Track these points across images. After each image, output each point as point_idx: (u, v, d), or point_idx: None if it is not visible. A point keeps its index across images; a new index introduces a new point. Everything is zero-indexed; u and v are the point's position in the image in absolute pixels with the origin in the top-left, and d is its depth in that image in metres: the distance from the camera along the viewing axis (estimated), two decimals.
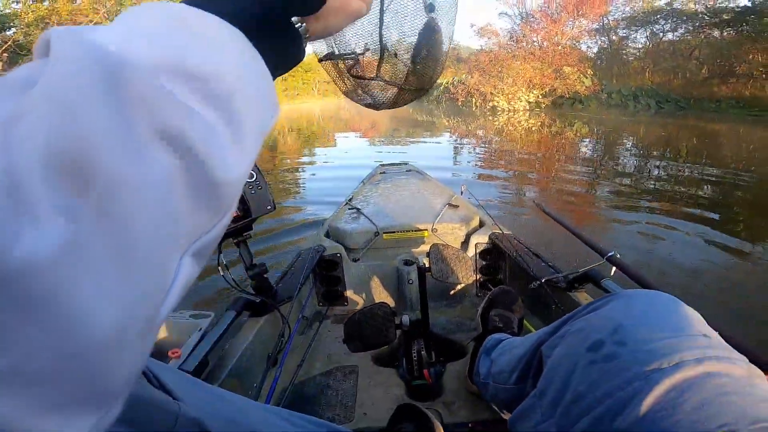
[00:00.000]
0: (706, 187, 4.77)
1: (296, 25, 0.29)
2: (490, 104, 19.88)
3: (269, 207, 0.99)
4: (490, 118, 15.18)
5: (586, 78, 20.03)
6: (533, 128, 11.80)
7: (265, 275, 1.08)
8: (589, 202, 4.14)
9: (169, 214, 0.17)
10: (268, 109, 0.23)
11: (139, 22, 0.20)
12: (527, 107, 19.56)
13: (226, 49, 0.21)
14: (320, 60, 0.90)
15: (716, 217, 3.51)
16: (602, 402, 0.44)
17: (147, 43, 0.18)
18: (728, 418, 0.38)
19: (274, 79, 0.26)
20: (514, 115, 16.63)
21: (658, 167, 5.88)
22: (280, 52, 0.28)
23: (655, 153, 7.17)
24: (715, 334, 0.48)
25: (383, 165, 2.66)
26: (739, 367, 0.43)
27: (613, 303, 0.54)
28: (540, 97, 20.01)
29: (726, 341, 0.70)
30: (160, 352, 1.06)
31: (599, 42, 25.10)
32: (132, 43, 0.18)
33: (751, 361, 0.68)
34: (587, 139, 9.43)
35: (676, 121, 14.05)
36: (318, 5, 0.25)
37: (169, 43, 0.19)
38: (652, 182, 4.99)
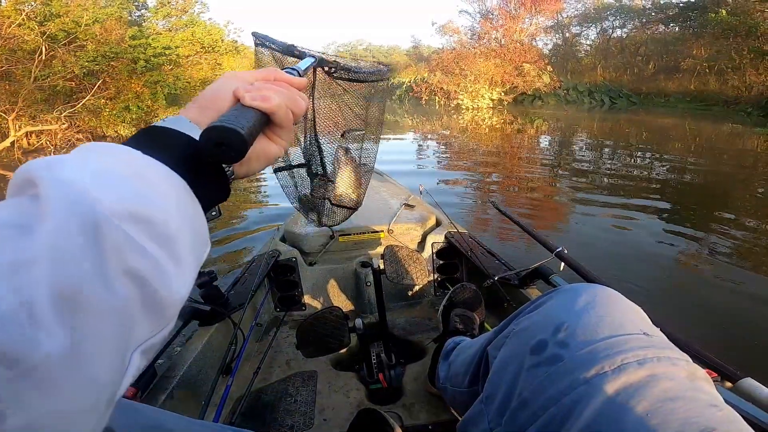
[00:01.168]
0: (657, 179, 5.07)
1: (226, 170, 0.35)
2: (454, 102, 20.14)
3: (214, 213, 0.97)
4: (455, 116, 15.34)
5: (545, 75, 20.71)
6: (496, 125, 12.09)
7: (214, 283, 1.07)
8: (549, 197, 4.31)
9: (126, 325, 0.24)
10: (202, 244, 0.31)
11: (105, 165, 0.26)
12: (490, 105, 19.94)
13: (172, 196, 0.28)
14: (275, 170, 1.15)
15: (666, 207, 3.74)
16: (547, 409, 0.44)
17: (115, 192, 0.25)
18: (675, 427, 0.38)
19: (205, 214, 0.33)
20: (478, 113, 16.86)
21: (612, 161, 6.20)
22: (211, 192, 0.34)
23: (609, 147, 7.54)
24: (656, 331, 0.48)
25: None
26: (682, 368, 0.43)
27: (554, 299, 0.55)
28: (502, 94, 20.48)
29: (669, 338, 0.74)
30: None
31: (554, 39, 26.16)
32: (104, 191, 0.24)
33: (693, 358, 0.72)
34: (548, 136, 9.79)
35: (628, 116, 14.77)
36: (241, 157, 0.31)
37: (130, 192, 0.25)
38: (607, 175, 5.25)
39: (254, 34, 0.99)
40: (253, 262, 1.40)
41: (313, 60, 0.59)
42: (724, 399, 0.66)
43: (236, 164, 0.36)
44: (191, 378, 0.94)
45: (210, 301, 1.07)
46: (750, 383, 0.69)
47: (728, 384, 0.73)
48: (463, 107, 19.52)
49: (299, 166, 1.17)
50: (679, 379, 0.42)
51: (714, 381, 0.72)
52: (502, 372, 0.53)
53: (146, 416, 0.49)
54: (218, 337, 1.09)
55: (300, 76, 0.44)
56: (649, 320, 0.50)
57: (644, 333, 0.46)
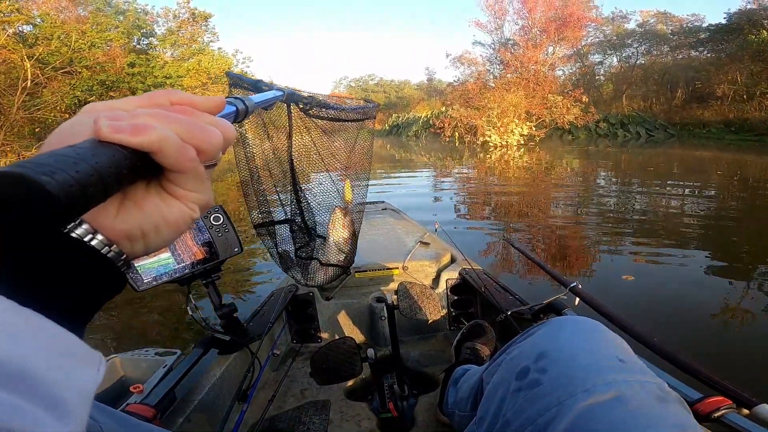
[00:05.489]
0: (698, 221, 5.02)
1: (103, 251, 0.26)
2: (481, 139, 19.60)
3: (236, 249, 1.13)
4: (481, 155, 14.95)
5: (575, 107, 20.44)
6: (526, 165, 11.80)
7: (234, 315, 1.19)
8: (577, 238, 4.33)
9: None
10: (78, 368, 0.23)
11: None
12: (521, 141, 19.47)
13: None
14: (255, 227, 1.14)
15: (706, 254, 3.68)
16: (525, 428, 0.51)
17: None
18: None
19: (98, 309, 0.27)
20: (507, 151, 16.46)
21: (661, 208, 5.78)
22: (90, 290, 0.26)
23: (673, 195, 6.73)
24: (632, 358, 0.54)
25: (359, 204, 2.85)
26: (651, 391, 0.48)
27: (542, 330, 0.62)
28: (533, 129, 20.13)
29: (683, 366, 0.81)
30: (121, 388, 1.14)
31: (573, 68, 26.51)
32: None
33: (708, 386, 0.77)
34: (583, 176, 9.46)
35: (669, 150, 14.37)
36: (56, 225, 0.22)
37: None
38: (646, 218, 5.17)
39: (228, 74, 0.98)
40: (272, 296, 1.55)
41: (278, 94, 0.53)
42: (740, 425, 0.74)
43: (123, 240, 0.27)
44: (208, 403, 1.06)
45: (229, 331, 1.19)
46: (766, 409, 0.74)
47: (744, 411, 0.78)
48: (491, 144, 19.02)
49: (280, 222, 1.14)
50: (646, 400, 0.47)
51: (729, 408, 0.80)
52: (492, 396, 0.61)
53: None
54: (236, 365, 1.21)
55: (247, 109, 0.37)
56: (628, 349, 0.57)
57: (619, 359, 0.52)
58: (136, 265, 0.94)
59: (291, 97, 0.81)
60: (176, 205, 0.29)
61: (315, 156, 1.04)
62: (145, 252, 0.29)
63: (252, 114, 0.40)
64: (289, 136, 0.95)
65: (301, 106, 0.89)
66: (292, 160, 1.01)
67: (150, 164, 0.26)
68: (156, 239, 0.29)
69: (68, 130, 0.26)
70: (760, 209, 5.53)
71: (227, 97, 0.36)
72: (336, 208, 1.14)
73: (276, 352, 1.40)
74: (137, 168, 0.25)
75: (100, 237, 0.26)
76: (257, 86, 0.82)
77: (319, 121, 0.96)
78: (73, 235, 0.25)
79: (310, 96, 0.88)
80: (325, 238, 1.16)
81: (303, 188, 1.08)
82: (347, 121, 1.03)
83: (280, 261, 1.21)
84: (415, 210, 4.16)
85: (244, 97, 0.39)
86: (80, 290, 0.26)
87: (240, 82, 0.92)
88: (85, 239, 0.26)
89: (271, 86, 0.77)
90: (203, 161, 0.29)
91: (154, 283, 0.98)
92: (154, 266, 0.98)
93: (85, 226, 0.26)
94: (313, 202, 1.11)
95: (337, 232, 1.15)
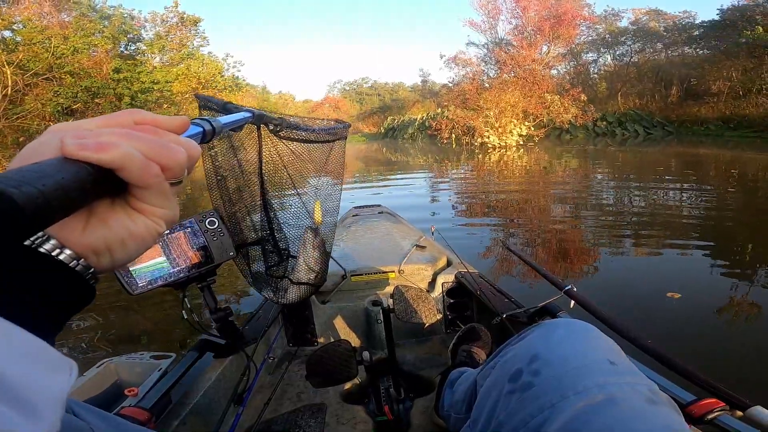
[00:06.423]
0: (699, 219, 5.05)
1: (71, 264, 0.28)
2: (479, 141, 19.58)
3: (232, 253, 1.14)
4: (480, 156, 14.90)
5: (573, 106, 20.41)
6: (526, 165, 11.78)
7: (230, 318, 1.20)
8: (577, 239, 4.36)
9: None
10: (50, 374, 0.23)
11: None
12: (520, 141, 19.43)
13: None
14: (236, 247, 1.16)
15: (707, 251, 3.73)
16: (517, 431, 0.52)
17: None
18: None
19: (68, 319, 0.28)
20: (506, 152, 16.42)
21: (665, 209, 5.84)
22: (59, 302, 0.28)
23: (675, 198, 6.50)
24: (623, 360, 0.55)
25: (356, 207, 2.91)
26: (641, 392, 0.49)
27: (535, 333, 0.63)
28: (532, 128, 20.09)
29: (677, 369, 0.82)
30: (116, 392, 1.15)
31: (567, 67, 26.59)
32: None
33: (702, 389, 0.78)
34: (583, 175, 9.38)
35: (670, 148, 14.30)
36: (24, 234, 0.23)
37: None
38: (644, 218, 5.22)
39: (196, 96, 0.99)
40: (267, 299, 1.56)
41: (246, 115, 0.55)
42: (733, 428, 0.75)
43: (89, 253, 0.29)
44: (204, 407, 1.07)
45: (225, 335, 1.20)
46: (759, 411, 0.75)
47: (738, 413, 0.78)
48: (489, 145, 18.91)
49: (252, 244, 1.18)
50: (636, 402, 0.48)
51: (722, 410, 0.81)
52: (486, 398, 0.62)
53: None
54: (231, 368, 1.22)
55: (214, 129, 0.38)
56: (620, 351, 0.58)
57: (610, 362, 0.54)
58: (131, 269, 0.95)
59: (260, 119, 0.82)
60: (141, 220, 0.30)
61: (285, 177, 1.07)
62: (112, 265, 0.31)
63: (221, 136, 0.41)
64: (259, 158, 0.97)
65: (271, 128, 0.90)
66: (263, 181, 1.03)
67: (115, 181, 0.27)
68: (122, 253, 0.30)
69: (35, 149, 0.27)
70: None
71: (194, 119, 0.37)
72: (307, 229, 1.17)
73: (272, 356, 1.41)
74: (101, 184, 0.26)
75: (68, 251, 0.28)
76: (226, 108, 0.84)
77: (290, 142, 0.98)
78: (42, 249, 0.27)
79: (280, 117, 0.90)
80: (296, 258, 1.19)
81: (274, 209, 1.10)
82: (318, 142, 1.06)
83: (254, 282, 1.24)
84: (411, 213, 4.21)
85: (212, 118, 0.39)
86: (50, 302, 0.27)
87: (209, 103, 0.93)
88: (53, 253, 0.27)
89: (239, 108, 0.79)
90: (168, 178, 0.30)
91: (149, 287, 0.98)
92: (149, 270, 0.98)
93: (53, 242, 0.27)
94: (285, 222, 1.14)
95: (308, 252, 1.19)
